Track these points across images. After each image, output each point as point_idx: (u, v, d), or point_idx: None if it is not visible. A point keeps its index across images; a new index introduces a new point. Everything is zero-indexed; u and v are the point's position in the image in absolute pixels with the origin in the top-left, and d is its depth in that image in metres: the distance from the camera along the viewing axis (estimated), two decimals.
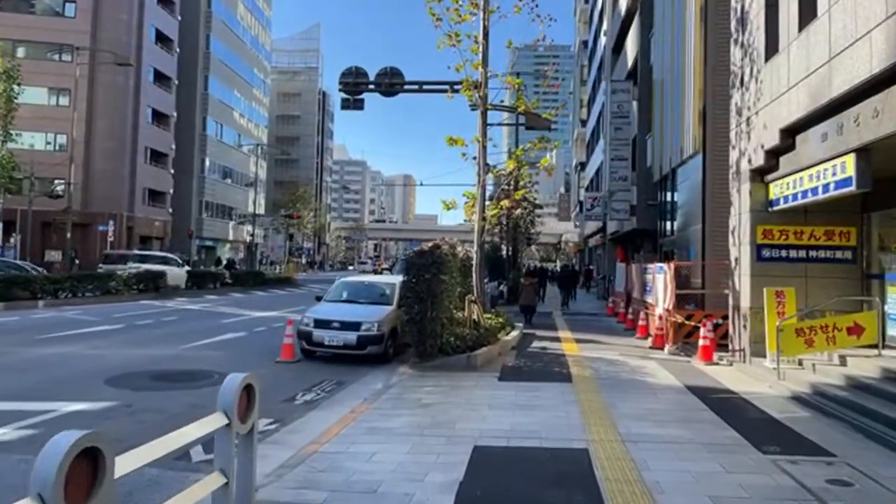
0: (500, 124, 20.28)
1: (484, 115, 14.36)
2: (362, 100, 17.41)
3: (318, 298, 13.01)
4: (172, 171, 53.54)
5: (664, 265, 14.08)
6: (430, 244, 11.47)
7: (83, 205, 43.10)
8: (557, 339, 14.99)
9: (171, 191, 53.78)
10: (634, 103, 23.68)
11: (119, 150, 46.36)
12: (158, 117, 51.13)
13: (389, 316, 11.67)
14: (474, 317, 13.12)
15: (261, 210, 72.62)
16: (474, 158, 13.82)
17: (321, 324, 11.41)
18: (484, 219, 14.25)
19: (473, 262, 14.04)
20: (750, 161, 11.19)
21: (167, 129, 52.43)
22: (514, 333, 14.13)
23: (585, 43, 53.02)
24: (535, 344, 14.07)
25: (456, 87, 14.25)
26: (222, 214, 64.17)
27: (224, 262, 47.34)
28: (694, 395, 8.85)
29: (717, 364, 11.55)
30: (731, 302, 12.18)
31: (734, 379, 10.16)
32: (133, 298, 23.53)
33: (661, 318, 13.81)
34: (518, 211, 21.58)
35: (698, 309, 14.05)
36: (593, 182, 41.30)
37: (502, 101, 14.67)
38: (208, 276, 30.03)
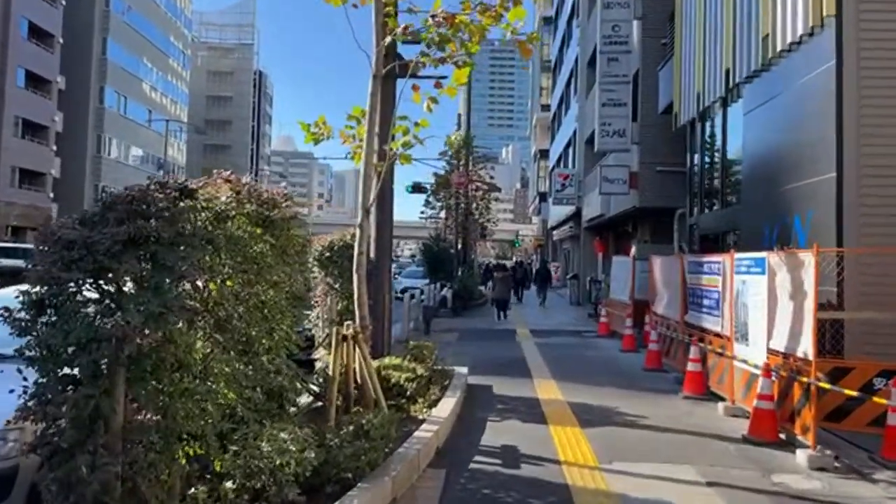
0: None
1: None
2: None
3: None
4: (55, 147, 44.13)
5: (770, 257, 6.51)
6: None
7: None
8: (537, 410, 7.30)
9: (55, 172, 44.38)
10: (636, 24, 16.38)
11: None
12: (35, 81, 41.58)
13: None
14: (354, 368, 5.59)
15: None
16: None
17: None
18: (384, 152, 6.56)
19: (355, 251, 6.30)
20: None
21: (47, 96, 42.89)
22: (447, 405, 6.40)
23: (547, 19, 45.63)
24: (490, 436, 6.24)
25: None
26: None
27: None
28: None
29: None
30: None
31: None
32: None
33: (767, 371, 6.26)
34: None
35: (828, 355, 6.53)
36: (561, 159, 34.00)
37: None
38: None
